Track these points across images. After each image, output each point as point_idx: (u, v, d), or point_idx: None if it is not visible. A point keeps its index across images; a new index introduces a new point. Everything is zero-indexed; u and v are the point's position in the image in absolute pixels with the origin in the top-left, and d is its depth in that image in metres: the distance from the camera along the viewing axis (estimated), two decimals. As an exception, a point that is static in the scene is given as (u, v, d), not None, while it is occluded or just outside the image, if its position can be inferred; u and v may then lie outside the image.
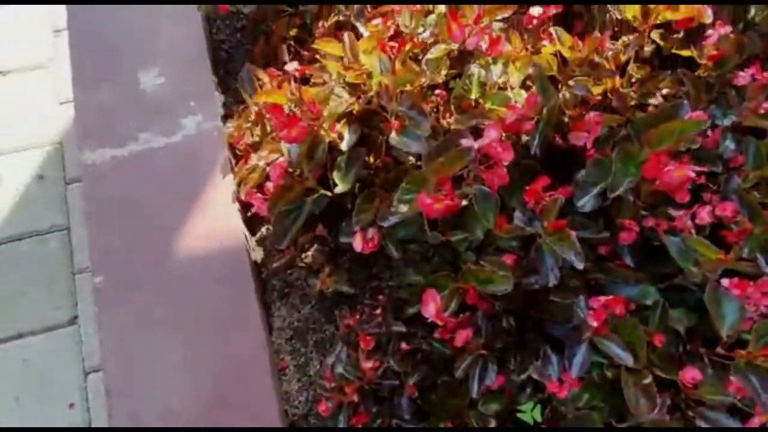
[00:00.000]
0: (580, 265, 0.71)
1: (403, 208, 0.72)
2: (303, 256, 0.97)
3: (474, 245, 0.86)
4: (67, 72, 1.27)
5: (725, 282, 0.74)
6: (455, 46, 0.84)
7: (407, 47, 0.80)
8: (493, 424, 0.79)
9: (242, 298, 0.90)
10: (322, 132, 0.80)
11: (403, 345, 0.81)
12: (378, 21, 0.89)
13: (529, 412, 0.79)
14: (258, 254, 0.98)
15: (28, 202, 1.37)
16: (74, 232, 1.33)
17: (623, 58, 0.97)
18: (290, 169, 0.86)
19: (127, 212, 0.92)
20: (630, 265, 0.81)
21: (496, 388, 0.79)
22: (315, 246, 0.96)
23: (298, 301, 0.96)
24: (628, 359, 0.70)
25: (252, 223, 1.00)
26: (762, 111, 0.86)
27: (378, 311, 0.85)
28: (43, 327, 1.25)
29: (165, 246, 0.90)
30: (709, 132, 0.87)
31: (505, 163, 0.74)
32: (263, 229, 1.00)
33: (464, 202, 0.80)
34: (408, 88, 0.80)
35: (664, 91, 0.96)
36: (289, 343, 0.93)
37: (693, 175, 0.70)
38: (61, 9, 1.55)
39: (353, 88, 0.87)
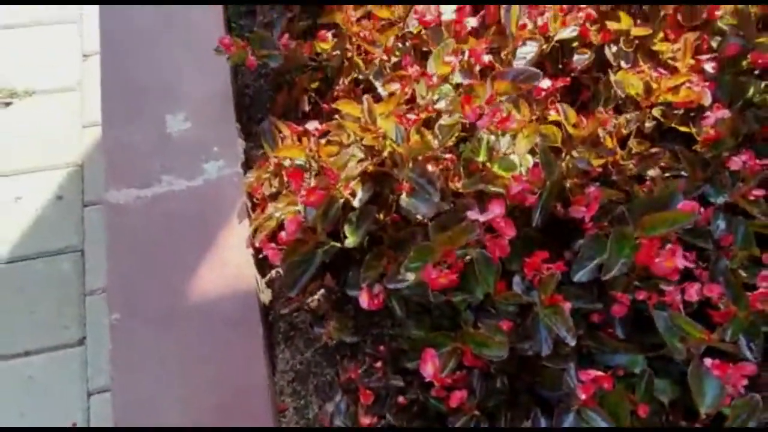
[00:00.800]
0: (572, 342, 0.76)
1: (410, 277, 0.76)
2: (309, 300, 1.01)
3: (473, 305, 0.91)
4: (93, 96, 1.32)
5: (707, 361, 0.78)
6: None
7: (422, 117, 0.85)
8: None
9: (250, 340, 0.94)
10: (338, 193, 0.85)
11: (401, 399, 0.85)
12: (396, 86, 0.95)
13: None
14: (267, 296, 1.03)
15: (46, 223, 1.41)
16: (88, 254, 1.38)
17: (625, 132, 1.02)
18: (303, 221, 0.91)
19: (146, 252, 0.97)
20: (620, 336, 0.85)
21: (486, 446, 0.83)
22: (322, 291, 1.01)
23: (302, 345, 1.00)
24: (611, 433, 0.74)
25: (262, 265, 1.04)
26: (752, 197, 0.90)
27: (378, 364, 0.89)
28: (51, 346, 1.29)
29: (180, 286, 0.94)
30: (701, 209, 0.92)
31: (508, 238, 0.79)
32: (273, 272, 1.05)
33: (467, 258, 0.85)
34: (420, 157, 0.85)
35: (662, 164, 1.01)
36: (290, 385, 0.97)
37: (681, 267, 0.75)
38: (92, 34, 1.61)
39: (369, 149, 0.92)
